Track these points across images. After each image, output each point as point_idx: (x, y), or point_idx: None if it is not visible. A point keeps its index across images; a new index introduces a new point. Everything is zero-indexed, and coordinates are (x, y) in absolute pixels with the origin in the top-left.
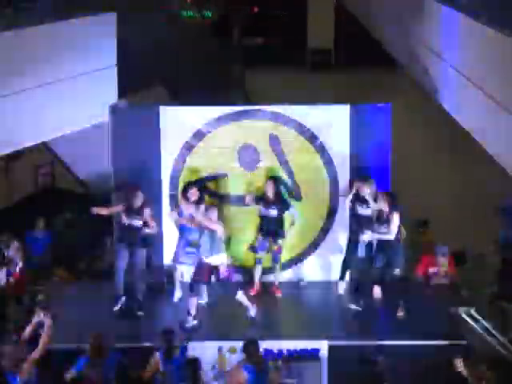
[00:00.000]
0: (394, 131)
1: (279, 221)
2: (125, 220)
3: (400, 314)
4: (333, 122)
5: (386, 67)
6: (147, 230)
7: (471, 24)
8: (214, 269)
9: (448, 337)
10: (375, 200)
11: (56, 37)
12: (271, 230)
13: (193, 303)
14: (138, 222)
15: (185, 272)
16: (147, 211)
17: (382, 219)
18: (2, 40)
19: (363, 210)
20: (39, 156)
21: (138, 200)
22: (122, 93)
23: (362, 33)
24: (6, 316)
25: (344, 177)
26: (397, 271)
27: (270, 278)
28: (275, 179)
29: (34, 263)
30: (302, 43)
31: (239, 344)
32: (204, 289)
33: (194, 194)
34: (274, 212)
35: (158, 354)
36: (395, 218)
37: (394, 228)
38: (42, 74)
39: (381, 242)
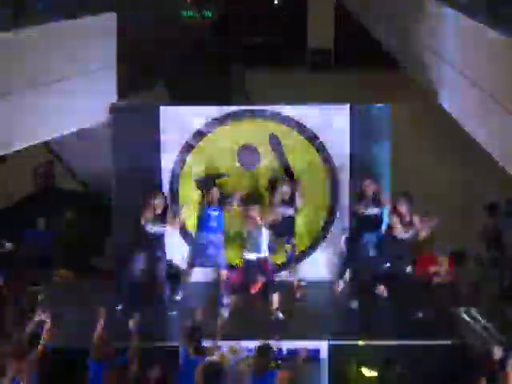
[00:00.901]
0: (394, 131)
1: (292, 221)
2: (149, 228)
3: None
4: (333, 122)
5: (386, 67)
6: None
7: (471, 24)
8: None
9: (448, 337)
10: (378, 200)
11: (56, 37)
12: (284, 230)
13: (230, 302)
14: (163, 229)
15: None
16: (169, 214)
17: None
18: (2, 40)
19: (368, 210)
20: (39, 156)
21: (162, 205)
22: (121, 93)
23: (362, 33)
24: (5, 316)
25: (344, 177)
26: (408, 269)
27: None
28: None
29: (34, 263)
30: (302, 43)
31: (239, 344)
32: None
33: (216, 193)
34: (290, 212)
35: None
36: (417, 220)
37: (422, 231)
38: (42, 73)
39: (389, 242)
